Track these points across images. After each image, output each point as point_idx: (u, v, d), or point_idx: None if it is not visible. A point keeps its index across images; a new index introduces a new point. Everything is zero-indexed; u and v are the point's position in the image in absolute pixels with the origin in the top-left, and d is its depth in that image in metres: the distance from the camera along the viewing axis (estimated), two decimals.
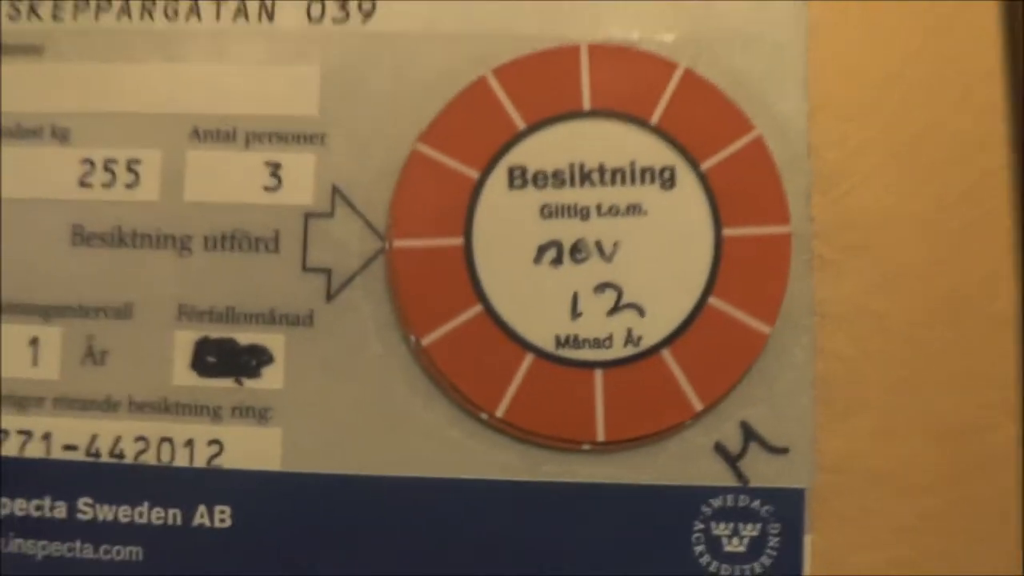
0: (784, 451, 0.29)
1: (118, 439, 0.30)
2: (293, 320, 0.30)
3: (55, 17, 0.31)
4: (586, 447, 0.29)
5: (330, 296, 0.30)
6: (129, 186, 0.30)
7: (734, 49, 0.30)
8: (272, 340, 0.30)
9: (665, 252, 0.30)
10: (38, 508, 0.29)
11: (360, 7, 0.31)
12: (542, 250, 0.30)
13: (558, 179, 0.30)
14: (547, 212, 0.30)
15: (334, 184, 0.30)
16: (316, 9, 0.31)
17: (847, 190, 0.30)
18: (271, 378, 0.30)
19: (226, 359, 0.30)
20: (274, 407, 0.30)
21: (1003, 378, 0.30)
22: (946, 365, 0.30)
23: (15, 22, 0.31)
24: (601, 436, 0.29)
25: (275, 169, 0.30)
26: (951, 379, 0.29)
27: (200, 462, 0.29)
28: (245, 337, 0.30)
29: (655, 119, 0.30)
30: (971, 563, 0.29)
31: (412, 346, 0.30)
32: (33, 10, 0.31)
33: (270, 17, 0.31)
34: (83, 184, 0.30)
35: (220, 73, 0.31)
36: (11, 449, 0.30)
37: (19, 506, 0.29)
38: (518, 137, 0.30)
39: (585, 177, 0.30)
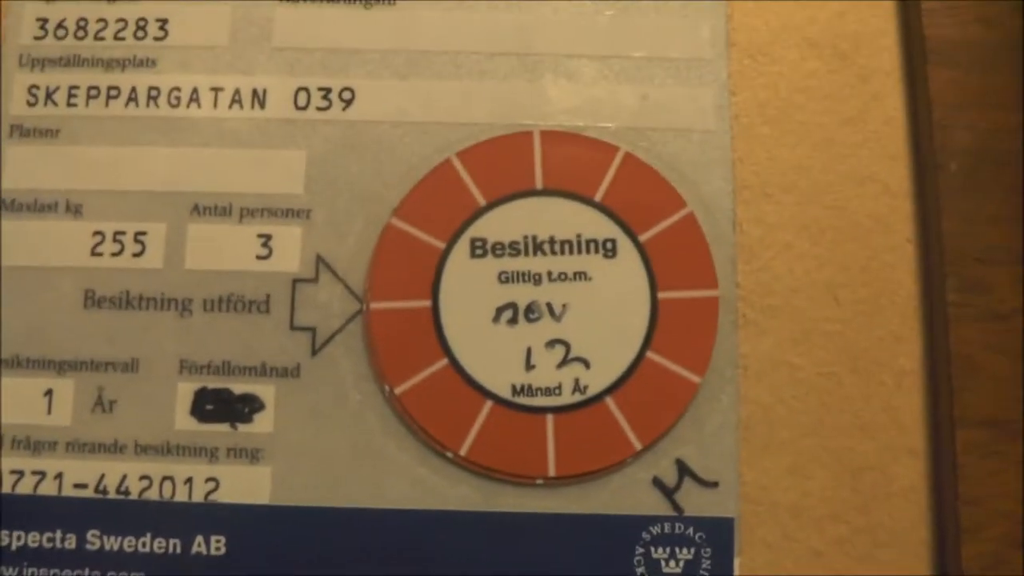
0: (714, 485, 0.31)
1: (124, 477, 0.31)
2: (282, 372, 0.31)
3: (70, 104, 0.33)
4: (539, 482, 0.31)
5: (314, 352, 0.32)
6: (136, 255, 0.32)
7: (668, 137, 0.33)
8: (263, 390, 0.31)
9: (608, 313, 0.31)
10: (49, 540, 0.30)
11: (341, 96, 0.33)
12: (500, 311, 0.31)
13: (514, 249, 0.31)
14: (504, 278, 0.31)
15: (318, 253, 0.32)
16: (303, 98, 0.33)
17: (767, 260, 0.32)
18: (262, 423, 0.31)
19: (222, 407, 0.31)
20: (265, 448, 0.31)
21: (908, 423, 0.32)
22: (851, 411, 0.31)
23: (33, 108, 0.33)
24: (553, 472, 0.30)
25: (266, 240, 0.32)
26: (856, 424, 0.31)
27: (198, 497, 0.31)
28: (239, 387, 0.31)
29: (599, 196, 0.32)
30: None
31: (386, 395, 0.31)
32: (50, 97, 0.33)
33: (262, 105, 0.33)
34: (95, 253, 0.32)
35: (217, 156, 0.33)
36: (26, 488, 0.31)
37: (32, 538, 0.30)
38: (479, 212, 0.32)
39: (538, 247, 0.32)
